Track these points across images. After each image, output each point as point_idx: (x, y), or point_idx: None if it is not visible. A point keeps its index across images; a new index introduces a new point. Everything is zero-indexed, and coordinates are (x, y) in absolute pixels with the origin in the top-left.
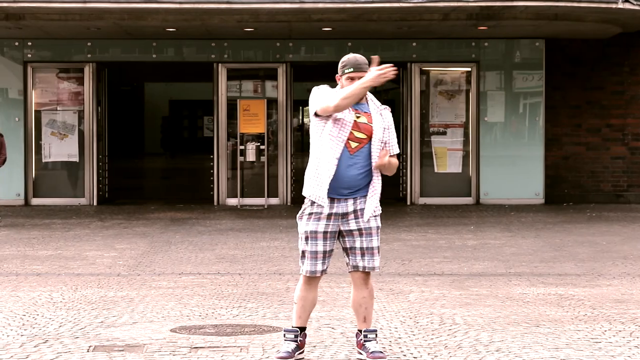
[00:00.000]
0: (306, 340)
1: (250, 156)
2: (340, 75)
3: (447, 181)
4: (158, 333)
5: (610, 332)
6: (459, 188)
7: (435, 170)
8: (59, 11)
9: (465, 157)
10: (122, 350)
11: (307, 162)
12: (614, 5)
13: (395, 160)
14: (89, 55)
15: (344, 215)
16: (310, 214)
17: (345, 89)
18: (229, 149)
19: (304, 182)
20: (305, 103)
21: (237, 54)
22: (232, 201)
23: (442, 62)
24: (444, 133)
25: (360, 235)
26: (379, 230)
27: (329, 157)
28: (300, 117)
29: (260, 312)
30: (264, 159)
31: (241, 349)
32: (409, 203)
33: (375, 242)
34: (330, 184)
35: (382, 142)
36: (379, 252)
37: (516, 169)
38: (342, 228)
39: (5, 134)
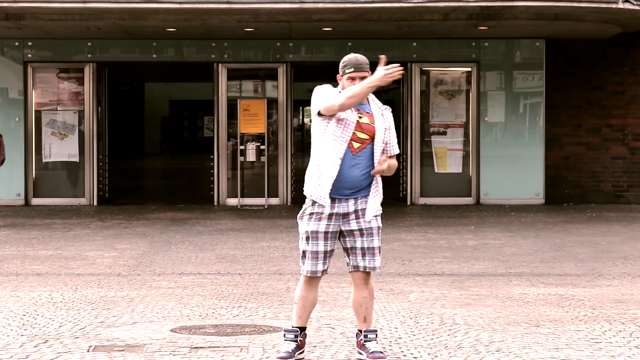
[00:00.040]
0: (306, 340)
1: (251, 156)
2: (341, 75)
3: (447, 181)
4: (158, 333)
5: (610, 333)
6: (459, 188)
7: (436, 171)
8: (59, 11)
9: (466, 157)
10: (122, 350)
11: (308, 161)
12: (614, 5)
13: (394, 162)
14: (89, 55)
15: (345, 215)
16: (311, 214)
17: (351, 88)
18: (229, 149)
19: (305, 181)
20: (306, 103)
21: (237, 54)
22: (233, 201)
23: (443, 62)
24: (444, 133)
25: (361, 235)
26: (380, 231)
27: (332, 157)
28: (301, 117)
29: (260, 312)
30: (264, 159)
31: (241, 349)
32: (409, 203)
33: (376, 242)
34: (332, 184)
35: (383, 143)
36: (379, 252)
37: (516, 169)
38: (343, 228)
39: (5, 134)
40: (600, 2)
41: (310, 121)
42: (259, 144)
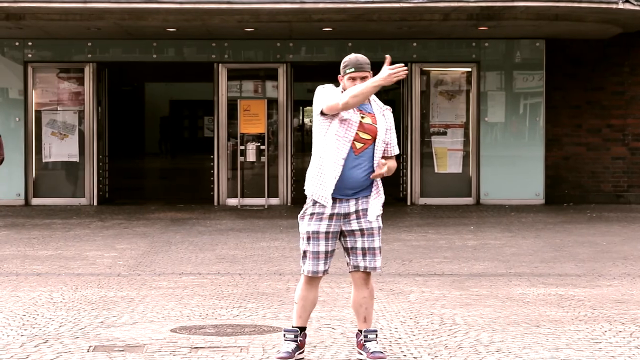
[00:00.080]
0: (306, 340)
1: (251, 156)
2: (342, 75)
3: (448, 181)
4: (158, 333)
5: (610, 333)
6: (459, 188)
7: (436, 171)
8: (60, 11)
9: (466, 158)
10: (122, 350)
11: (308, 162)
12: (614, 6)
13: (393, 163)
14: (90, 55)
15: (346, 216)
16: (312, 214)
17: (355, 87)
18: (229, 149)
19: (306, 181)
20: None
21: (237, 54)
22: (233, 201)
23: (443, 62)
24: (444, 133)
25: (362, 235)
26: (380, 231)
27: (335, 158)
28: (301, 118)
29: (260, 312)
30: (264, 159)
31: (241, 349)
32: (409, 203)
33: (376, 243)
34: (335, 184)
35: (384, 143)
36: (380, 252)
37: (516, 169)
38: (343, 228)
39: (5, 134)
40: (600, 3)
41: (311, 121)
42: (259, 144)
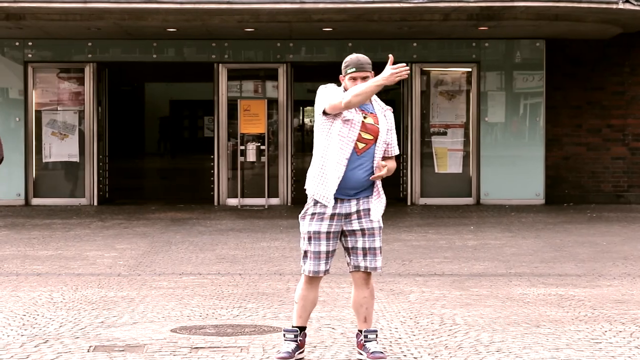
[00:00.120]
0: (306, 340)
1: (251, 156)
2: (344, 76)
3: (448, 181)
4: (158, 333)
5: (610, 333)
6: (460, 188)
7: (436, 171)
8: (60, 11)
9: (466, 158)
10: (123, 350)
11: (308, 162)
12: (614, 6)
13: (393, 164)
14: (90, 56)
15: (347, 216)
16: (314, 214)
17: (358, 87)
18: (229, 149)
19: (307, 180)
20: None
21: (237, 54)
22: (233, 201)
23: (443, 62)
24: (445, 133)
25: (363, 235)
26: (381, 231)
27: (338, 158)
28: (301, 118)
29: (260, 312)
30: (264, 159)
31: (241, 349)
32: (409, 203)
33: (377, 243)
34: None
35: (385, 144)
36: (381, 252)
37: (516, 169)
38: (344, 228)
39: (5, 134)
40: (600, 3)
41: (311, 121)
42: (259, 144)
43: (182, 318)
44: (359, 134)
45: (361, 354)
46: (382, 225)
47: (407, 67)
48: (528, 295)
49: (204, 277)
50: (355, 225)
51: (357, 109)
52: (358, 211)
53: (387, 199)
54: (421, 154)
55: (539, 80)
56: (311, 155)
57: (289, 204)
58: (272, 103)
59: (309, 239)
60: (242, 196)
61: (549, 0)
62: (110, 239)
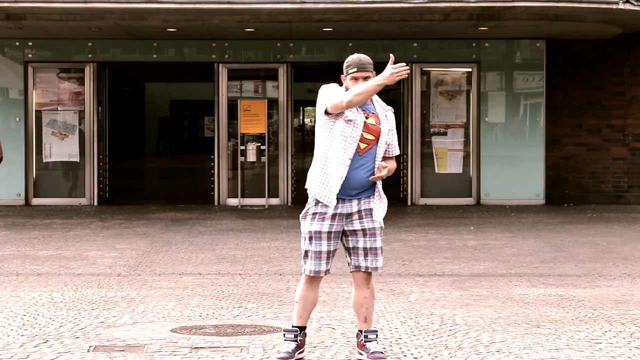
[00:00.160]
0: (307, 340)
1: (251, 156)
2: (345, 76)
3: (448, 182)
4: (158, 333)
5: (610, 333)
6: (460, 188)
7: (436, 171)
8: (60, 11)
9: (466, 158)
10: (123, 350)
11: (308, 162)
12: (614, 6)
13: (393, 164)
14: (90, 56)
15: (349, 216)
16: (315, 213)
17: (359, 86)
18: (229, 149)
19: (308, 180)
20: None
21: (237, 54)
22: (233, 201)
23: (443, 62)
24: (445, 133)
25: (364, 235)
26: (382, 231)
27: (341, 158)
28: (301, 118)
29: (260, 312)
30: (264, 159)
31: (242, 349)
32: (409, 203)
33: (378, 243)
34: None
35: (386, 144)
36: (382, 252)
37: (517, 169)
38: (346, 228)
39: (5, 134)
40: (600, 3)
41: (311, 121)
42: (259, 144)
43: (182, 318)
44: (361, 134)
45: (361, 354)
46: (383, 225)
47: (407, 67)
48: (528, 295)
49: (204, 277)
50: (356, 225)
51: (359, 109)
52: (359, 211)
53: (387, 199)
54: (421, 154)
55: (539, 81)
56: (311, 155)
57: (289, 204)
58: (273, 103)
59: (310, 238)
60: (243, 196)
61: (549, 1)
62: (110, 239)
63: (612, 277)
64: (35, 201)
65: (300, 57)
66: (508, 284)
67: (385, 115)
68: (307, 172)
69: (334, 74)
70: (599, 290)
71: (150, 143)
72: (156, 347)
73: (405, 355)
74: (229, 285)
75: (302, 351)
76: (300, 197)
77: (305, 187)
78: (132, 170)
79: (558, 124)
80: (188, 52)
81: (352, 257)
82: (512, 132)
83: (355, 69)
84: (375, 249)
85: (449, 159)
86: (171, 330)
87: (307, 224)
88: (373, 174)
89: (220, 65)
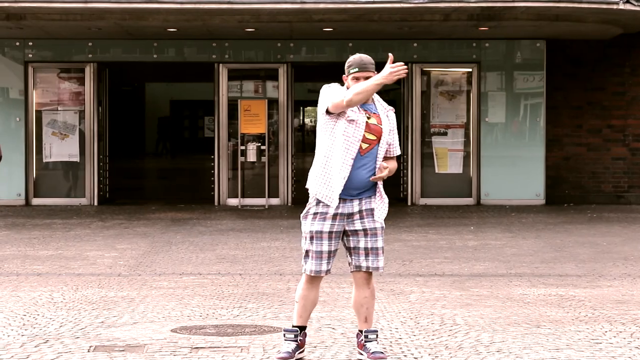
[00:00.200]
0: (307, 340)
1: (251, 156)
2: (346, 75)
3: (448, 182)
4: (159, 333)
5: (611, 333)
6: (460, 189)
7: (436, 171)
8: (60, 11)
9: (466, 158)
10: (123, 350)
11: (308, 162)
12: (615, 6)
13: (394, 164)
14: (90, 56)
15: (350, 216)
16: (316, 213)
17: (358, 85)
18: (229, 149)
19: (309, 179)
20: (307, 103)
21: (238, 54)
22: (233, 201)
23: (443, 62)
24: (445, 134)
25: (365, 235)
26: (383, 231)
27: (344, 158)
28: (301, 118)
29: (260, 312)
30: (264, 159)
31: (242, 349)
32: (409, 203)
33: (379, 243)
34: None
35: (387, 144)
36: (383, 252)
37: (517, 169)
38: (347, 228)
39: (6, 134)
40: (601, 3)
41: (311, 121)
42: (259, 144)
43: (183, 318)
44: (363, 134)
45: (361, 354)
46: (384, 225)
47: (406, 67)
48: (528, 295)
49: (204, 277)
50: (357, 225)
51: (360, 109)
52: (360, 211)
53: (387, 199)
54: (421, 154)
55: (540, 81)
56: (312, 155)
57: (289, 204)
58: (273, 103)
59: (311, 238)
60: (243, 196)
61: (550, 1)
62: (110, 239)
63: (612, 277)
64: (36, 201)
65: (300, 57)
66: (508, 284)
67: (387, 115)
68: (307, 172)
69: (334, 74)
70: (599, 290)
71: (151, 143)
72: (156, 347)
73: (405, 355)
74: (229, 285)
75: (302, 351)
76: (300, 197)
77: (306, 186)
78: (133, 170)
79: (558, 124)
80: (188, 52)
81: (352, 257)
82: (512, 132)
83: (357, 69)
84: (377, 249)
85: (449, 159)
86: (171, 330)
87: (308, 224)
88: (374, 174)
89: (221, 65)
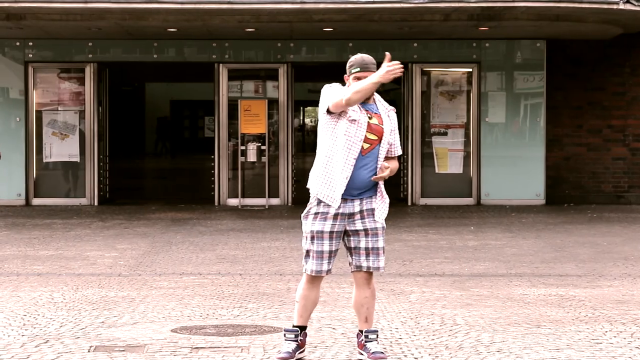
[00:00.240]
0: (307, 340)
1: (251, 156)
2: (348, 75)
3: (448, 182)
4: (159, 333)
5: (611, 333)
6: (460, 189)
7: (436, 171)
8: (60, 11)
9: (466, 158)
10: (123, 350)
11: (309, 162)
12: (615, 6)
13: (395, 164)
14: (90, 56)
15: (351, 215)
16: (317, 213)
17: (357, 84)
18: (229, 149)
19: (310, 179)
20: (307, 103)
21: (238, 54)
22: (233, 201)
23: (443, 62)
24: (445, 134)
25: (366, 235)
26: (384, 231)
27: (346, 158)
28: (301, 118)
29: (261, 312)
30: (264, 159)
31: (242, 349)
32: (409, 203)
33: (380, 243)
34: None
35: (388, 144)
36: (384, 252)
37: (517, 169)
38: (348, 228)
39: (6, 134)
40: (601, 3)
41: (312, 121)
42: (259, 144)
43: (183, 318)
44: (365, 134)
45: (362, 354)
46: (384, 225)
47: (402, 65)
48: (529, 295)
49: (204, 277)
50: (358, 225)
51: (362, 109)
52: (361, 211)
53: (388, 199)
54: (422, 154)
55: (540, 81)
56: (312, 155)
57: (289, 204)
58: (273, 103)
59: (312, 238)
60: (243, 196)
61: (550, 1)
62: (110, 239)
63: (612, 277)
64: (36, 201)
65: (300, 57)
66: (508, 284)
67: (388, 115)
68: (307, 173)
69: (334, 74)
70: (600, 290)
71: (151, 143)
72: (157, 347)
73: (405, 356)
74: (229, 285)
75: (303, 351)
76: (300, 197)
77: (307, 186)
78: (133, 170)
79: (558, 124)
80: (188, 52)
81: (353, 257)
82: (512, 132)
83: (359, 69)
84: (377, 249)
85: (449, 159)
86: (172, 330)
87: (309, 224)
88: (375, 174)
89: (221, 65)
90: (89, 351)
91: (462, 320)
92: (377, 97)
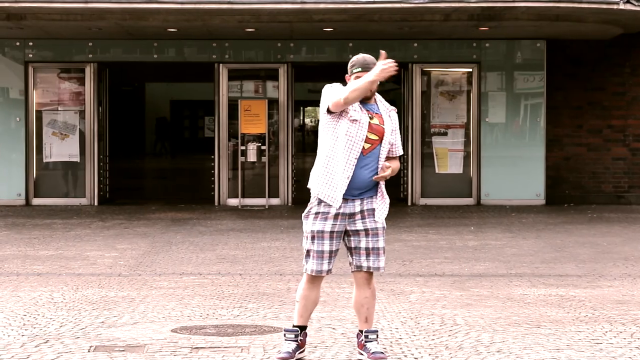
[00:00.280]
0: (307, 340)
1: (251, 156)
2: (349, 75)
3: (448, 182)
4: (159, 333)
5: (611, 333)
6: (460, 189)
7: (436, 171)
8: (61, 11)
9: (466, 158)
10: (123, 350)
11: (309, 162)
12: (615, 6)
13: (397, 164)
14: (90, 56)
15: (351, 215)
16: (317, 213)
17: (354, 83)
18: (230, 149)
19: (311, 179)
20: (307, 103)
21: (238, 54)
22: (233, 201)
23: (443, 62)
24: (445, 134)
25: (367, 235)
26: (384, 231)
27: (347, 158)
28: (301, 118)
29: (261, 312)
30: (264, 159)
31: (242, 349)
32: (409, 204)
33: (381, 243)
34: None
35: (389, 144)
36: (384, 252)
37: (517, 169)
38: (348, 228)
39: (6, 134)
40: (601, 3)
41: (312, 121)
42: (259, 144)
43: (183, 318)
44: (366, 134)
45: (362, 354)
46: (385, 225)
47: (396, 63)
48: (529, 295)
49: (204, 277)
50: (359, 225)
51: (363, 109)
52: (362, 211)
53: (388, 199)
54: (422, 154)
55: (540, 81)
56: (312, 155)
57: (289, 204)
58: (273, 103)
59: (313, 238)
60: (243, 196)
61: (550, 1)
62: (110, 239)
63: (612, 277)
64: (36, 201)
65: (300, 57)
66: (508, 284)
67: (389, 115)
68: (307, 173)
69: (334, 74)
70: (600, 290)
71: (151, 143)
72: (157, 347)
73: (405, 356)
74: (229, 285)
75: (303, 351)
76: (300, 197)
77: (308, 186)
78: (133, 170)
79: (558, 124)
80: (188, 52)
81: (353, 257)
82: (512, 132)
83: (360, 69)
84: (378, 249)
85: (449, 159)
86: (171, 330)
87: (310, 223)
88: (376, 173)
89: (221, 65)
90: (89, 351)
91: (462, 321)
92: (378, 97)
